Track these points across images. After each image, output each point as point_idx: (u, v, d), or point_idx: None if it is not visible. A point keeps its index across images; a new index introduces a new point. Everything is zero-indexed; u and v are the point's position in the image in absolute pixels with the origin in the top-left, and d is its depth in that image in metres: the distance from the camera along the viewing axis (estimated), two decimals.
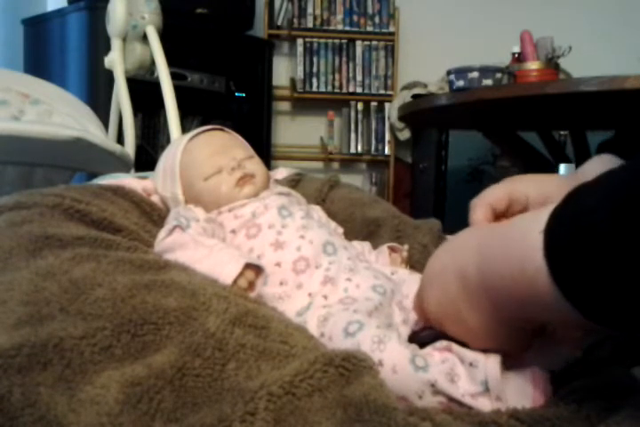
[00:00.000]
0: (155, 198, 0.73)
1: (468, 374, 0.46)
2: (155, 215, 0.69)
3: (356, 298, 0.57)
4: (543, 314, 0.41)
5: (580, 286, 0.37)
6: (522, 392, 0.46)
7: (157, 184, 0.73)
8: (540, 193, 0.57)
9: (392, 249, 0.70)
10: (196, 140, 0.72)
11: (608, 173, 0.38)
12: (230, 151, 0.70)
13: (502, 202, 0.57)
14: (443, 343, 0.50)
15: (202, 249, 0.57)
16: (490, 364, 0.46)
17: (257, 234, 0.63)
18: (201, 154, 0.70)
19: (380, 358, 0.47)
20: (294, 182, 0.83)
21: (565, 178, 0.64)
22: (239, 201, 0.66)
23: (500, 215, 0.57)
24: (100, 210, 0.61)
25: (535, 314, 0.42)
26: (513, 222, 0.44)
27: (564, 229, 0.38)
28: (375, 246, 0.72)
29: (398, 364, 0.47)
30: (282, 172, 0.81)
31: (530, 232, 0.39)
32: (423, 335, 0.52)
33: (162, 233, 0.60)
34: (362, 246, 0.71)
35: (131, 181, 0.73)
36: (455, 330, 0.48)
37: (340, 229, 0.73)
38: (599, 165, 0.64)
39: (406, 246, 0.71)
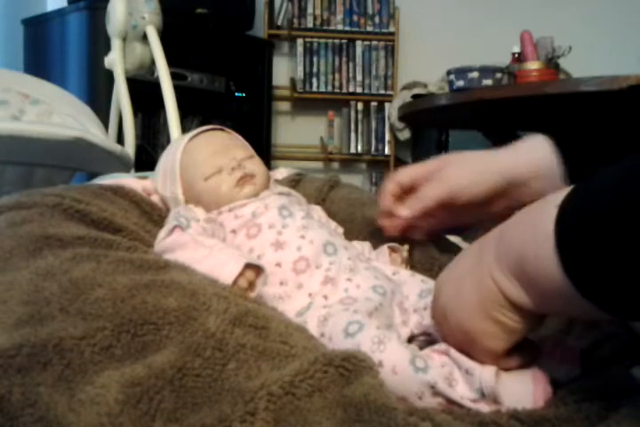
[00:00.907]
0: (155, 198, 0.73)
1: (464, 380, 0.46)
2: (155, 215, 0.69)
3: (356, 298, 0.57)
4: (543, 284, 0.40)
5: (579, 262, 0.37)
6: (522, 393, 0.46)
7: (157, 184, 0.73)
8: (437, 164, 0.69)
9: (392, 249, 0.70)
10: (196, 141, 0.72)
11: (632, 156, 0.38)
12: (230, 151, 0.70)
13: (406, 178, 0.69)
14: (442, 346, 0.49)
15: (202, 249, 0.57)
16: (485, 373, 0.46)
17: (257, 234, 0.63)
18: (201, 154, 0.70)
19: (380, 359, 0.47)
20: (294, 182, 0.83)
21: (496, 156, 0.71)
22: (239, 201, 0.66)
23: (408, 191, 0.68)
24: (100, 210, 0.61)
25: (535, 286, 0.41)
26: (537, 201, 0.44)
27: (575, 206, 0.39)
28: (375, 246, 0.72)
29: (398, 365, 0.47)
30: (282, 172, 0.81)
31: (548, 205, 0.40)
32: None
33: (162, 233, 0.60)
34: (362, 246, 0.71)
35: (130, 181, 0.73)
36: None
37: (340, 229, 0.73)
38: (533, 144, 0.70)
39: (406, 247, 0.71)
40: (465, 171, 0.69)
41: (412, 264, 0.72)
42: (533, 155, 0.69)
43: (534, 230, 0.41)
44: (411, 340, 0.56)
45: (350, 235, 0.74)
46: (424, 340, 0.55)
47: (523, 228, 0.43)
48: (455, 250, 0.80)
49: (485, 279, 0.44)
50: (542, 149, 0.69)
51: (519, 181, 0.69)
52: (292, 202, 0.67)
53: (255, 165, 0.70)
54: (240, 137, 0.75)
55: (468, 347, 0.47)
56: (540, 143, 0.70)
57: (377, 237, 0.75)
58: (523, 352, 0.47)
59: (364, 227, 0.76)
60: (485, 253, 0.45)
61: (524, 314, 0.43)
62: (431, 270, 0.70)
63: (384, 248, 0.69)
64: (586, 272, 0.37)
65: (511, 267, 0.43)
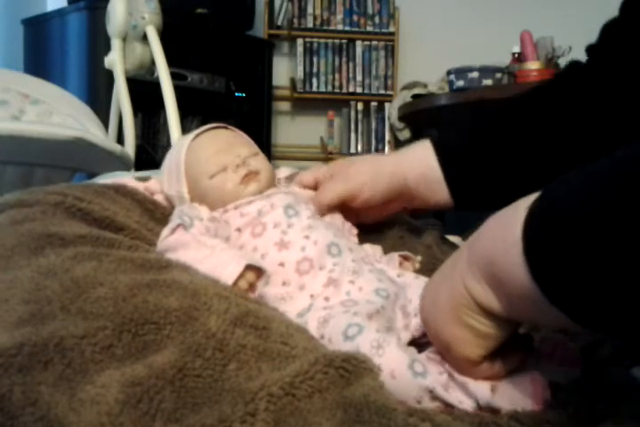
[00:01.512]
0: (158, 197, 0.73)
1: (461, 391, 0.46)
2: (158, 213, 0.69)
3: (357, 301, 0.56)
4: (512, 290, 0.40)
5: (547, 267, 0.36)
6: (521, 394, 0.46)
7: (163, 183, 0.73)
8: (342, 165, 0.74)
9: (404, 258, 0.69)
10: (200, 139, 0.72)
11: (608, 157, 0.38)
12: (235, 149, 0.70)
13: (309, 178, 0.74)
14: (437, 357, 0.49)
15: (204, 249, 0.57)
16: (479, 389, 0.45)
17: (262, 233, 0.63)
18: (205, 152, 0.70)
19: (379, 363, 0.47)
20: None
21: (393, 158, 0.77)
22: (245, 198, 0.66)
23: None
24: (103, 208, 0.61)
25: (504, 291, 0.41)
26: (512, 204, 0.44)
27: (543, 209, 0.38)
28: (386, 251, 0.71)
29: (397, 369, 0.47)
30: (284, 171, 0.81)
31: (518, 208, 0.40)
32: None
33: (165, 231, 0.60)
34: (373, 250, 0.70)
35: (131, 181, 0.73)
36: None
37: (355, 231, 0.72)
38: (418, 150, 0.76)
39: (419, 258, 0.70)
40: (364, 170, 0.73)
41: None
42: (419, 160, 0.75)
43: (504, 234, 0.40)
44: (412, 343, 0.55)
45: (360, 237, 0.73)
46: (425, 342, 0.55)
47: (493, 232, 0.42)
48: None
49: (457, 285, 0.44)
50: (426, 155, 0.74)
51: (410, 185, 0.74)
52: (299, 201, 0.67)
53: (260, 162, 0.70)
54: (244, 135, 0.75)
55: (446, 355, 0.46)
56: (424, 148, 0.75)
57: (379, 237, 0.75)
58: (507, 359, 0.46)
59: (364, 227, 0.76)
60: (459, 259, 0.45)
61: (495, 319, 0.42)
62: (433, 270, 0.70)
63: (394, 256, 0.69)
64: (553, 278, 0.36)
65: (482, 271, 0.42)
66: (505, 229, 0.40)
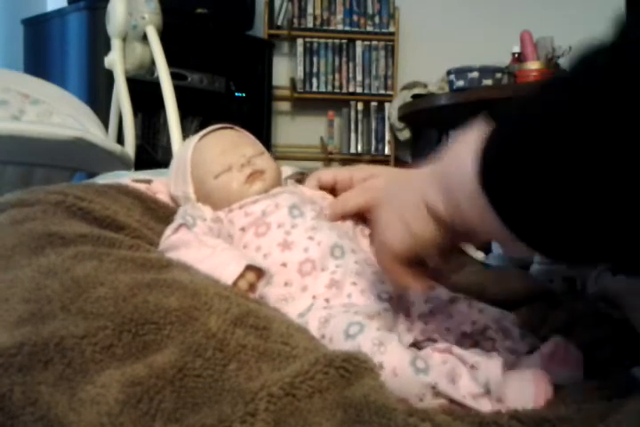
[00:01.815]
0: (161, 197, 0.73)
1: (469, 375, 0.46)
2: (160, 212, 0.69)
3: (358, 305, 0.56)
4: (459, 189, 0.44)
5: (489, 171, 0.41)
6: (522, 393, 0.46)
7: (170, 184, 0.73)
8: (364, 174, 0.71)
9: None
10: (205, 140, 0.72)
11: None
12: (240, 149, 0.70)
13: (329, 177, 0.72)
14: (443, 345, 0.49)
15: (205, 249, 0.57)
16: (491, 366, 0.46)
17: (266, 233, 0.63)
18: (211, 152, 0.70)
19: (381, 361, 0.47)
20: (297, 181, 0.83)
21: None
22: (250, 197, 0.66)
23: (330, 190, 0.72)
24: (103, 208, 0.61)
25: (452, 191, 0.45)
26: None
27: (494, 129, 0.42)
28: None
29: (399, 366, 0.47)
30: (285, 170, 0.81)
31: (482, 124, 0.44)
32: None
33: (167, 231, 0.61)
34: None
35: (130, 183, 0.73)
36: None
37: (367, 231, 0.72)
38: None
39: None
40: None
41: None
42: None
43: (466, 139, 0.44)
44: (414, 346, 0.55)
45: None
46: (427, 346, 0.55)
47: (453, 150, 0.46)
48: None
49: (415, 188, 0.49)
50: None
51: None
52: (305, 201, 0.67)
53: (265, 161, 0.70)
54: (250, 135, 0.75)
55: (380, 248, 0.52)
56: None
57: None
58: (419, 277, 0.52)
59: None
60: (423, 172, 0.49)
61: (432, 224, 0.47)
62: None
63: None
64: (493, 180, 0.41)
65: (438, 180, 0.46)
66: (467, 136, 0.45)
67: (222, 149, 0.70)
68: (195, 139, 0.72)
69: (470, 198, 0.42)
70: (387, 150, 3.36)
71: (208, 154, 0.70)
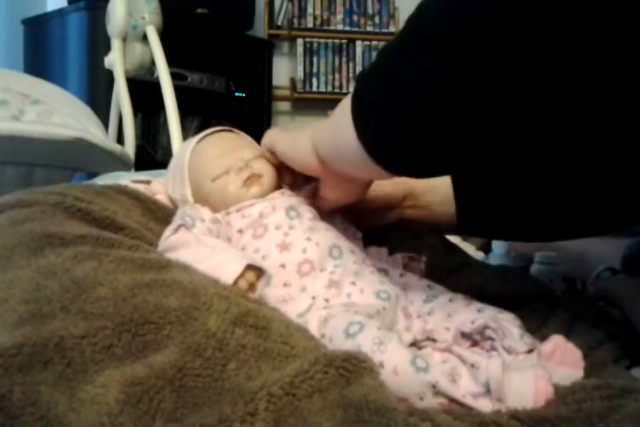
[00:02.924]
0: (160, 197, 0.73)
1: (469, 374, 0.46)
2: (159, 213, 0.69)
3: (357, 304, 0.56)
4: (338, 135, 0.55)
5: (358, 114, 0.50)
6: (522, 393, 0.46)
7: (168, 186, 0.73)
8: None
9: (410, 258, 0.69)
10: (204, 142, 0.72)
11: None
12: (238, 152, 0.70)
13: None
14: (443, 344, 0.49)
15: (204, 249, 0.57)
16: (491, 365, 0.46)
17: (263, 234, 0.63)
18: (208, 155, 0.70)
19: (381, 360, 0.47)
20: None
21: None
22: (247, 201, 0.66)
23: None
24: (103, 208, 0.61)
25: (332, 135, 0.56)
26: None
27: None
28: (392, 253, 0.71)
29: (399, 365, 0.47)
30: None
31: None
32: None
33: (167, 232, 0.60)
34: (379, 252, 0.70)
35: (130, 184, 0.73)
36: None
37: (360, 234, 0.72)
38: None
39: (424, 258, 0.70)
40: None
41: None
42: None
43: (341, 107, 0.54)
44: (414, 345, 0.55)
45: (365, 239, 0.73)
46: (427, 346, 0.55)
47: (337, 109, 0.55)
48: (459, 250, 0.80)
49: (308, 139, 0.60)
50: None
51: (415, 193, 0.75)
52: (302, 203, 0.67)
53: (263, 164, 0.69)
54: (249, 137, 0.75)
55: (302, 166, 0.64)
56: None
57: (382, 238, 0.75)
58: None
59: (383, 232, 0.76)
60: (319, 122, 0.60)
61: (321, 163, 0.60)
62: (439, 270, 0.70)
63: (398, 257, 0.69)
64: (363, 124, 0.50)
65: (325, 135, 0.58)
66: (343, 104, 0.53)
67: (220, 152, 0.69)
68: (193, 141, 0.72)
69: (344, 135, 0.52)
70: None
71: (206, 157, 0.70)
